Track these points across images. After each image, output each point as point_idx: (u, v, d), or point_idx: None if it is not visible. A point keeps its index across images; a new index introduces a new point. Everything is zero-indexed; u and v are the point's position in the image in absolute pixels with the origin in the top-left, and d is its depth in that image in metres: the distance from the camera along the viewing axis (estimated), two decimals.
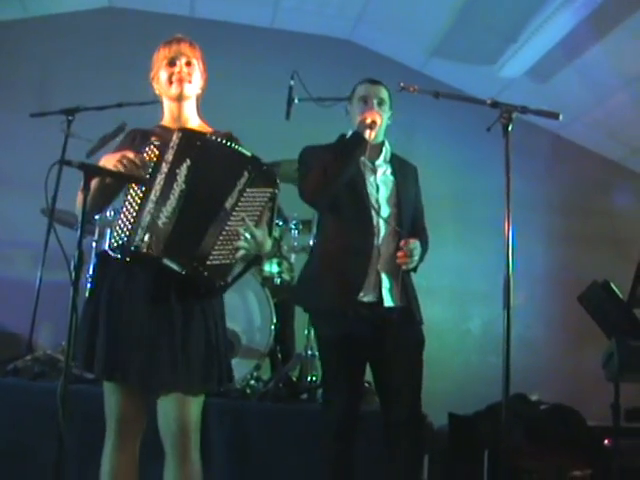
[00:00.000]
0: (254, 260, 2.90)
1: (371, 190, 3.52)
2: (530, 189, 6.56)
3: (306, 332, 4.77)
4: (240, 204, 2.75)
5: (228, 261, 2.76)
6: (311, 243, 4.95)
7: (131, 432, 2.80)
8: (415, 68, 6.94)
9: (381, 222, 3.48)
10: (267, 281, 4.86)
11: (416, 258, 3.46)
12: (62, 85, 6.16)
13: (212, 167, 2.75)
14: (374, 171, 3.58)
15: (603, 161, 7.22)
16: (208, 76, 3.10)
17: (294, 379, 4.69)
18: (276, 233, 4.88)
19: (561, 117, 3.01)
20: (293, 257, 5.18)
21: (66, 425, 2.49)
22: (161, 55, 3.00)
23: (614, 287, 4.30)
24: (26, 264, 5.67)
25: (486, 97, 3.09)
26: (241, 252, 2.76)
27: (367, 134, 3.43)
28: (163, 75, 2.98)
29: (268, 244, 2.90)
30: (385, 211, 3.51)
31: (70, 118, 3.96)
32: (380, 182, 3.57)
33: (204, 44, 3.10)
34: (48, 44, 6.37)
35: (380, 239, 3.46)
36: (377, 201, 3.51)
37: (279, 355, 4.86)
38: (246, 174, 2.75)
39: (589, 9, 5.27)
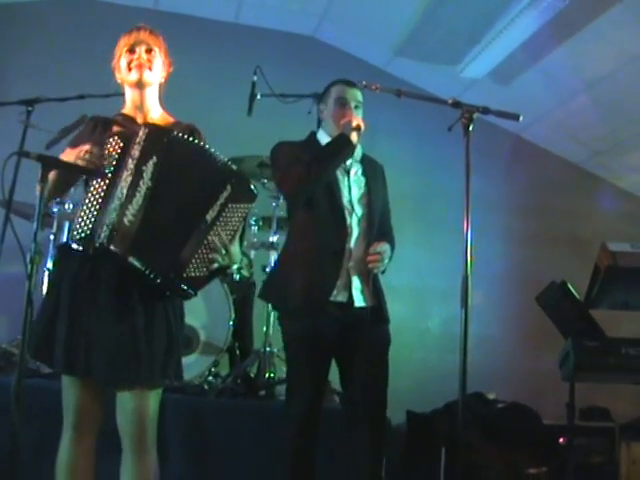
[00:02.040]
0: (221, 270, 2.90)
1: (344, 191, 3.52)
2: (490, 189, 6.61)
3: (264, 329, 4.77)
4: (221, 218, 2.76)
5: (202, 274, 2.77)
6: (272, 239, 4.96)
7: (89, 425, 2.77)
8: (379, 66, 6.95)
9: (354, 223, 3.49)
10: (226, 277, 4.85)
11: (386, 261, 3.48)
12: (22, 75, 6.06)
13: (186, 169, 2.75)
14: (347, 171, 3.57)
15: (563, 163, 7.29)
16: (173, 67, 3.09)
17: (252, 375, 4.69)
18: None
19: (521, 118, 3.03)
20: (253, 253, 5.17)
21: (21, 420, 2.46)
22: (122, 43, 3.00)
23: (571, 288, 4.34)
24: None
25: (449, 97, 3.10)
26: (215, 265, 2.79)
27: (354, 137, 3.43)
28: (123, 62, 2.98)
29: (239, 258, 2.96)
30: (358, 212, 3.51)
31: (29, 109, 3.89)
32: (353, 183, 3.56)
33: (167, 37, 3.09)
34: (8, 32, 6.28)
35: (352, 240, 3.47)
36: (350, 202, 3.51)
37: (237, 351, 4.85)
38: (229, 188, 2.76)
39: (552, 13, 5.31)
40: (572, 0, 5.13)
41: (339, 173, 3.54)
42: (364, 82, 3.28)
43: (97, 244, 2.62)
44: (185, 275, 2.72)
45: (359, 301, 3.44)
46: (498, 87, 6.51)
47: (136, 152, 2.67)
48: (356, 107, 3.56)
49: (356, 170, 3.61)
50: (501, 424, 4.71)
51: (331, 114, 3.59)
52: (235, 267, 4.93)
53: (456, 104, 3.04)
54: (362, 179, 3.60)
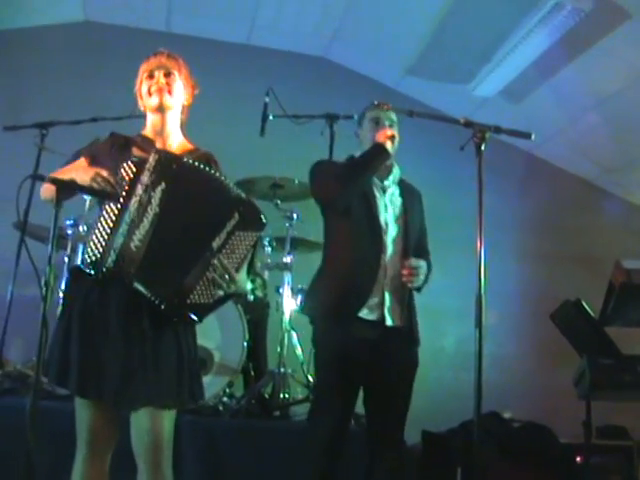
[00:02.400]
0: (227, 298, 2.89)
1: (381, 208, 3.56)
2: (503, 208, 6.58)
3: (279, 349, 4.76)
4: (227, 246, 2.75)
5: (206, 301, 2.76)
6: (286, 260, 4.96)
7: (102, 446, 2.77)
8: (390, 86, 6.97)
9: (389, 241, 3.51)
10: (240, 298, 4.85)
11: (421, 277, 3.48)
12: (36, 99, 6.10)
13: (194, 196, 2.75)
14: (383, 190, 3.62)
15: (576, 180, 7.27)
16: (197, 89, 3.11)
17: (267, 396, 4.68)
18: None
19: (533, 137, 3.04)
20: (267, 274, 5.17)
21: (35, 442, 2.47)
22: (142, 70, 3.04)
23: (586, 305, 4.33)
24: None
25: (460, 116, 3.11)
26: (220, 293, 2.78)
27: (388, 145, 3.50)
28: (144, 88, 3.01)
29: (247, 285, 2.93)
30: (393, 231, 3.54)
31: (44, 132, 3.93)
32: (388, 202, 3.60)
33: None
34: (23, 57, 6.33)
35: (387, 257, 3.48)
36: (385, 220, 3.54)
37: (252, 372, 4.85)
38: (237, 216, 2.75)
39: (562, 31, 5.33)
40: (582, 18, 5.14)
41: (376, 190, 3.58)
42: (376, 102, 3.33)
43: (104, 268, 2.64)
44: (189, 301, 2.72)
45: (389, 320, 3.44)
46: (510, 105, 6.52)
47: (145, 178, 2.69)
48: (390, 125, 3.62)
49: (393, 191, 3.65)
50: (517, 443, 4.68)
51: (366, 133, 3.65)
52: (249, 288, 4.94)
53: (468, 123, 3.05)
54: (399, 200, 3.65)
